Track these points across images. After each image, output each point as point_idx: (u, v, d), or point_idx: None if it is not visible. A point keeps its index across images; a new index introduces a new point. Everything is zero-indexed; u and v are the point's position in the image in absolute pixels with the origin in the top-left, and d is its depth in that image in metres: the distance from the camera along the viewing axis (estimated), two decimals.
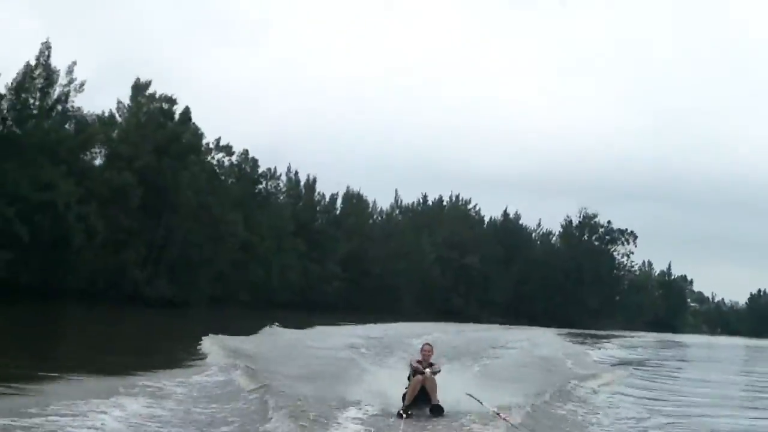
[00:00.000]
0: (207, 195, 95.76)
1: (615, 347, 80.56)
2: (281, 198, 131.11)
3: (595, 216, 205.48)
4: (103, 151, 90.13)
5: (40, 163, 74.48)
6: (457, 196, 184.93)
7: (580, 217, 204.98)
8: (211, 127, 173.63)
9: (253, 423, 19.40)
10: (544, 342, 70.26)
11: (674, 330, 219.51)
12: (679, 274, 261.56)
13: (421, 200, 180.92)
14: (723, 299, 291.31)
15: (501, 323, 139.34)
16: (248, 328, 52.50)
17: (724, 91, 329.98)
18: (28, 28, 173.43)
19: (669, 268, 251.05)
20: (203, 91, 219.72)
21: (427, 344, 22.90)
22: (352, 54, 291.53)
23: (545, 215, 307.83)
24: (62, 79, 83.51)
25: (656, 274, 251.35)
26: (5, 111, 76.87)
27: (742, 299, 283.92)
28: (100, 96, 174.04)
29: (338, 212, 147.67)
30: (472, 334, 76.98)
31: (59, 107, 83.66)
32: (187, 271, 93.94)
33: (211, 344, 38.16)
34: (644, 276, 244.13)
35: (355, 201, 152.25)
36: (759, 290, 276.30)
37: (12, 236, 69.06)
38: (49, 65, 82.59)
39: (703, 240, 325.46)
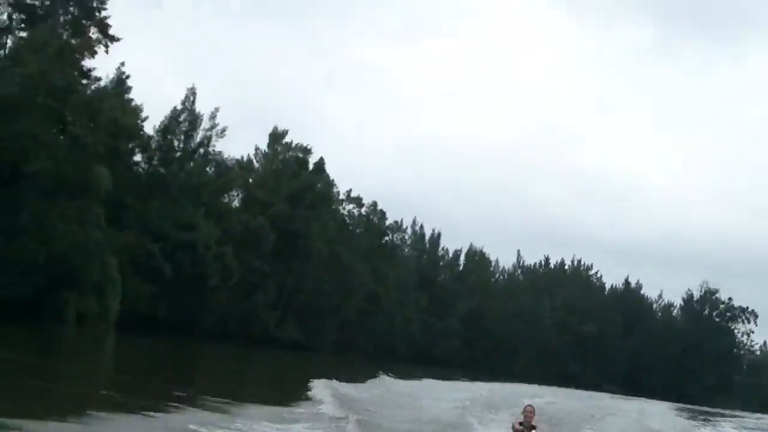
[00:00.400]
0: (337, 244, 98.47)
1: (732, 427, 78.45)
2: (406, 251, 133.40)
3: (716, 291, 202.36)
4: (239, 194, 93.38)
5: (182, 203, 77.62)
6: (579, 261, 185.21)
7: (701, 291, 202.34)
8: (342, 175, 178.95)
9: None
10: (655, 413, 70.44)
11: None
12: None
13: (543, 262, 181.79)
14: None
15: (615, 393, 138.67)
16: (366, 375, 54.76)
17: None
18: (170, 70, 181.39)
19: None
20: (335, 138, 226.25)
21: (530, 406, 22.99)
22: (484, 112, 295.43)
23: (667, 286, 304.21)
24: (205, 124, 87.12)
25: None
26: (153, 151, 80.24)
27: None
28: (234, 138, 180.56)
29: (461, 268, 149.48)
30: (585, 402, 76.45)
31: (201, 150, 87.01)
32: (314, 316, 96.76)
33: (323, 388, 39.63)
34: (765, 357, 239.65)
35: (477, 258, 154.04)
36: None
37: (156, 272, 72.05)
38: (194, 110, 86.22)
39: None
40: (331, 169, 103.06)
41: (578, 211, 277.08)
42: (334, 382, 43.31)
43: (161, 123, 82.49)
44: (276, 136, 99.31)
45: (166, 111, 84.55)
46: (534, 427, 21.78)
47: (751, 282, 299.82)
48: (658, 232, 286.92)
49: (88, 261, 62.13)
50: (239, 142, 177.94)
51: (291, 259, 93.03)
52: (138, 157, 79.97)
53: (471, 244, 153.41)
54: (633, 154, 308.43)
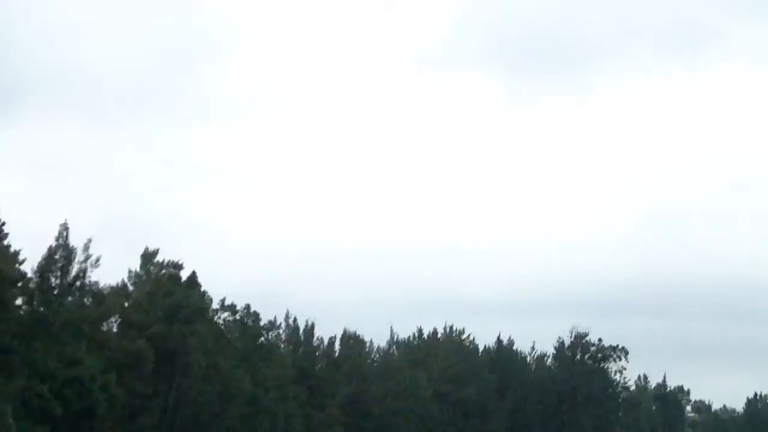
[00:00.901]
0: (215, 355, 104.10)
1: None
2: (282, 346, 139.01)
3: (586, 335, 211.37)
4: (117, 320, 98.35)
5: (65, 340, 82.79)
6: (451, 327, 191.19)
7: (571, 336, 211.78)
8: (210, 275, 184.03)
9: None
10: None
11: None
12: (676, 385, 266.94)
13: (416, 334, 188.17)
14: (722, 406, 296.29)
15: None
16: None
17: (712, 200, 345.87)
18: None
19: (664, 380, 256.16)
20: (197, 238, 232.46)
21: None
22: (342, 190, 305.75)
23: (539, 334, 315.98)
24: (79, 256, 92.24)
25: (652, 387, 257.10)
26: (32, 292, 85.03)
27: (739, 404, 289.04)
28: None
29: (337, 354, 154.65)
30: None
31: (78, 283, 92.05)
32: (199, 429, 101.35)
33: None
34: (640, 391, 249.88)
35: (352, 342, 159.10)
36: (756, 394, 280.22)
37: (45, 411, 76.84)
38: (68, 245, 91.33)
39: (697, 348, 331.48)
40: (203, 277, 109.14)
41: (445, 274, 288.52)
42: None
43: (39, 264, 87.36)
44: (147, 256, 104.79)
45: (33, 241, 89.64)
46: None
47: (622, 316, 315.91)
48: (524, 283, 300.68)
49: None
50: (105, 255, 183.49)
51: (171, 377, 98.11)
52: (18, 301, 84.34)
53: (345, 329, 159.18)
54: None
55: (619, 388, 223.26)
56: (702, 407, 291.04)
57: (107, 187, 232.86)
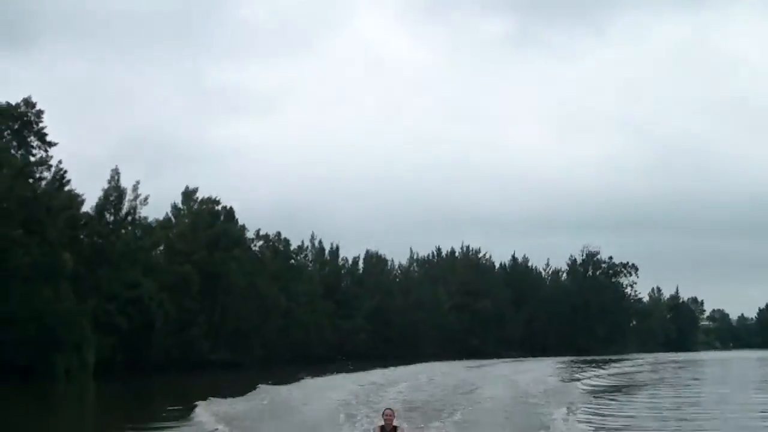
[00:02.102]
0: (252, 276, 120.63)
1: (607, 373, 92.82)
2: (310, 267, 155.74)
3: (597, 252, 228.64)
4: (165, 249, 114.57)
5: (124, 266, 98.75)
6: (468, 247, 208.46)
7: (583, 255, 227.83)
8: (241, 199, 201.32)
9: None
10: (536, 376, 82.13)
11: (687, 349, 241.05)
12: (690, 296, 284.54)
13: (435, 253, 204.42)
14: (737, 315, 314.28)
15: (515, 357, 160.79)
16: (285, 379, 67.84)
17: (720, 118, 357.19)
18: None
19: (677, 292, 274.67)
20: (224, 160, 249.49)
21: (388, 409, 23.65)
22: (359, 114, 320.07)
23: (554, 251, 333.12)
24: (129, 195, 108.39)
25: (666, 298, 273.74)
26: (94, 227, 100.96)
27: (752, 314, 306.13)
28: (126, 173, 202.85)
29: (361, 272, 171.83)
30: (467, 372, 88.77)
31: (129, 218, 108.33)
32: (241, 339, 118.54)
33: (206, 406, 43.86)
34: (654, 301, 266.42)
35: (374, 261, 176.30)
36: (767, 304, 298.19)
37: (113, 326, 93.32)
38: (119, 186, 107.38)
39: (711, 261, 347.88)
40: (238, 211, 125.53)
41: (464, 195, 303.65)
42: (219, 401, 46.59)
43: (97, 203, 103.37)
44: (188, 194, 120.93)
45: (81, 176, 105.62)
46: (395, 428, 22.34)
47: (639, 232, 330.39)
48: (541, 201, 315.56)
49: (68, 327, 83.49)
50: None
51: (216, 295, 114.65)
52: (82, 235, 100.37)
53: (367, 250, 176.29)
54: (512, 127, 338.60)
55: (631, 300, 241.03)
56: (717, 316, 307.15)
57: (130, 114, 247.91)
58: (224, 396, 48.69)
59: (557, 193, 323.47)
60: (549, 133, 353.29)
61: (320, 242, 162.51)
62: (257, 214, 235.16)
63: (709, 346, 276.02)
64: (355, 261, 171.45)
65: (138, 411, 49.19)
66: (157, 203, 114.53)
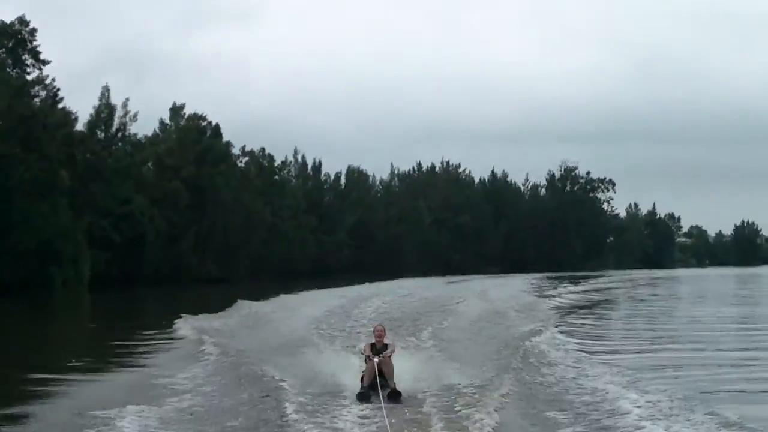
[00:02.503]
0: (238, 191, 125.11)
1: (578, 290, 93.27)
2: (293, 182, 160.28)
3: (575, 168, 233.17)
4: (154, 164, 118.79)
5: (116, 182, 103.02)
6: (448, 162, 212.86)
7: (561, 170, 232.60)
8: (224, 111, 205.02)
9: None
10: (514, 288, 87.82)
11: (663, 266, 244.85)
12: (667, 212, 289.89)
13: (416, 168, 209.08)
14: (712, 232, 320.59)
15: (495, 272, 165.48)
16: (269, 294, 69.34)
17: (703, 29, 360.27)
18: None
19: (654, 208, 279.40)
20: (206, 70, 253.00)
21: (379, 325, 22.92)
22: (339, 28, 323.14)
23: (534, 163, 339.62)
24: (119, 112, 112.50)
25: (643, 214, 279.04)
26: (86, 144, 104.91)
27: (728, 230, 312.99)
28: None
29: (343, 187, 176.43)
30: (442, 289, 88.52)
31: (119, 135, 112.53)
32: (228, 253, 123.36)
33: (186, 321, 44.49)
34: (631, 217, 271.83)
35: (356, 176, 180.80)
36: (743, 221, 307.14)
37: (107, 240, 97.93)
38: (110, 103, 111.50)
39: (690, 175, 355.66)
40: (222, 122, 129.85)
41: (445, 108, 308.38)
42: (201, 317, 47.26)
43: (89, 121, 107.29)
44: (175, 110, 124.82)
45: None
46: (386, 345, 21.84)
47: (618, 144, 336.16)
48: (521, 113, 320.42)
49: (65, 241, 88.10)
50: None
51: (203, 210, 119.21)
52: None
53: (349, 165, 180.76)
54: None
55: (608, 216, 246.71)
56: (694, 232, 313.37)
57: (108, 23, 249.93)
58: (210, 311, 50.70)
59: (538, 105, 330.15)
60: (530, 46, 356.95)
61: (303, 157, 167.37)
62: (240, 124, 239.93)
63: (686, 263, 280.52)
64: (338, 176, 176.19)
65: (127, 322, 52.53)
66: (142, 115, 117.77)
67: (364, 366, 21.60)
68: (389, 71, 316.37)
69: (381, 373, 20.85)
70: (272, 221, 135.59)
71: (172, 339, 37.85)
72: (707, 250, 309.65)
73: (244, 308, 54.37)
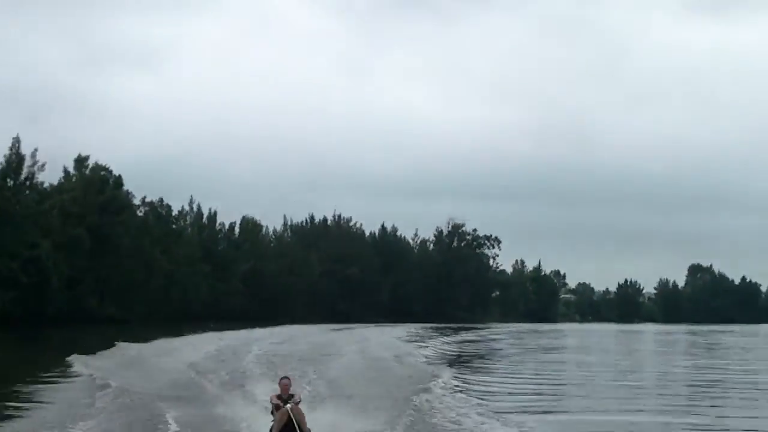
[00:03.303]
0: (138, 239, 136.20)
1: (452, 342, 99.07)
2: (189, 230, 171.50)
3: (462, 225, 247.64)
4: (59, 210, 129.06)
5: (25, 228, 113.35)
6: (340, 215, 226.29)
7: (449, 227, 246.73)
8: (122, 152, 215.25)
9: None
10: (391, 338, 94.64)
11: (547, 320, 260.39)
12: (553, 269, 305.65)
13: (308, 220, 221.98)
14: (599, 289, 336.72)
15: (381, 322, 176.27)
16: (160, 335, 77.65)
17: (602, 87, 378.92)
18: None
19: (539, 265, 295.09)
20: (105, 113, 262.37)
21: (285, 377, 23.66)
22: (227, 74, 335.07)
23: (425, 217, 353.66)
24: (28, 161, 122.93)
25: (529, 270, 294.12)
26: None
27: (612, 288, 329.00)
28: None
29: (237, 236, 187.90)
30: (319, 337, 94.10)
31: (28, 182, 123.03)
32: (126, 296, 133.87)
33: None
34: (517, 273, 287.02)
35: (250, 226, 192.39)
36: (626, 280, 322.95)
37: (14, 281, 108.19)
38: (20, 153, 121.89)
39: (578, 234, 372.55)
40: (126, 176, 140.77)
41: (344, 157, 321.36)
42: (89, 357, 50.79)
43: (1, 169, 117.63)
44: (80, 161, 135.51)
45: None
46: (291, 395, 22.59)
47: (505, 203, 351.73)
48: (412, 165, 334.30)
49: None
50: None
51: (104, 255, 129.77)
52: None
53: (243, 216, 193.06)
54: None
55: (493, 271, 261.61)
56: (579, 289, 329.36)
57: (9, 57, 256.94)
58: (95, 352, 55.33)
59: (435, 157, 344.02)
60: (434, 95, 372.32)
61: (199, 206, 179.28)
62: (138, 168, 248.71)
63: (569, 318, 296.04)
64: (232, 226, 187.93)
65: (29, 362, 57.60)
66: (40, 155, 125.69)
67: (271, 417, 22.33)
68: (285, 118, 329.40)
69: (291, 422, 21.34)
70: (168, 268, 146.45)
71: (65, 378, 41.28)
72: (590, 307, 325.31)
73: (126, 350, 59.77)
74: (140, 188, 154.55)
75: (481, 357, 73.06)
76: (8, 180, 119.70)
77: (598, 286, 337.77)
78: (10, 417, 27.04)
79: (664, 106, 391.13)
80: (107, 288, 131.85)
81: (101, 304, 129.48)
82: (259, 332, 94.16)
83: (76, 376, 40.90)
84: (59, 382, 38.29)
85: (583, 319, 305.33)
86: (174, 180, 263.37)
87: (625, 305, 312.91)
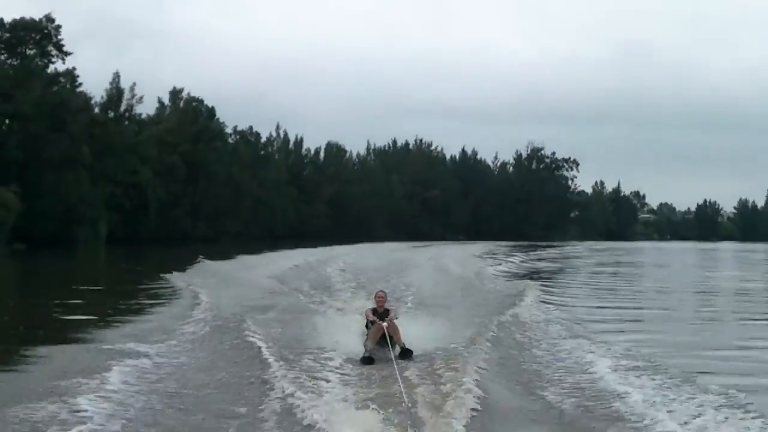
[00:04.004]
0: (229, 165, 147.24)
1: (533, 258, 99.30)
2: (277, 156, 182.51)
3: (541, 148, 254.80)
4: (155, 140, 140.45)
5: (126, 157, 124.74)
6: (421, 140, 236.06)
7: (528, 150, 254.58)
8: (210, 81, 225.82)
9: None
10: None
11: (625, 239, 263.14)
12: (632, 190, 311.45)
13: (391, 144, 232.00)
14: (680, 209, 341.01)
15: (462, 240, 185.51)
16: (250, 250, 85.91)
17: (683, 25, 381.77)
18: None
19: (618, 186, 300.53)
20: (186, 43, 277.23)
21: (381, 291, 23.46)
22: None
23: (507, 142, 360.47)
24: (127, 95, 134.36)
25: (609, 191, 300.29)
26: (102, 124, 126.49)
27: (692, 208, 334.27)
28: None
29: (322, 161, 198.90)
30: (401, 253, 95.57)
31: (127, 114, 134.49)
32: (218, 218, 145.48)
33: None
34: (596, 194, 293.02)
35: (335, 150, 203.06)
36: (705, 200, 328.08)
37: (119, 206, 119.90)
38: (120, 87, 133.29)
39: (658, 157, 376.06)
40: (219, 109, 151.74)
41: (426, 85, 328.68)
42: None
43: (102, 103, 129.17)
44: (175, 93, 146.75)
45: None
46: (387, 310, 22.24)
47: (591, 126, 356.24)
48: (496, 91, 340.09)
49: (86, 206, 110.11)
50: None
51: (198, 181, 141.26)
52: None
53: (328, 141, 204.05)
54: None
55: (573, 193, 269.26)
56: (657, 209, 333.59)
57: None
58: (186, 268, 56.85)
59: (514, 85, 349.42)
60: (512, 26, 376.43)
61: (285, 133, 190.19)
62: (224, 97, 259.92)
63: (647, 238, 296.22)
64: (317, 151, 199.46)
65: (134, 275, 62.35)
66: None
67: (366, 331, 22.10)
68: (370, 50, 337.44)
69: (385, 337, 21.05)
70: (257, 192, 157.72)
71: (169, 288, 43.08)
72: (669, 226, 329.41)
73: (222, 266, 62.92)
74: (230, 117, 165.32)
75: (563, 272, 72.72)
76: (110, 112, 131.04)
77: (679, 207, 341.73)
78: (114, 326, 28.48)
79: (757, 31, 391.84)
80: (200, 211, 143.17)
81: (195, 226, 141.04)
82: (342, 249, 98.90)
83: (173, 289, 42.89)
84: (158, 294, 40.36)
85: (662, 238, 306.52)
86: (262, 109, 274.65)
87: (703, 225, 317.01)
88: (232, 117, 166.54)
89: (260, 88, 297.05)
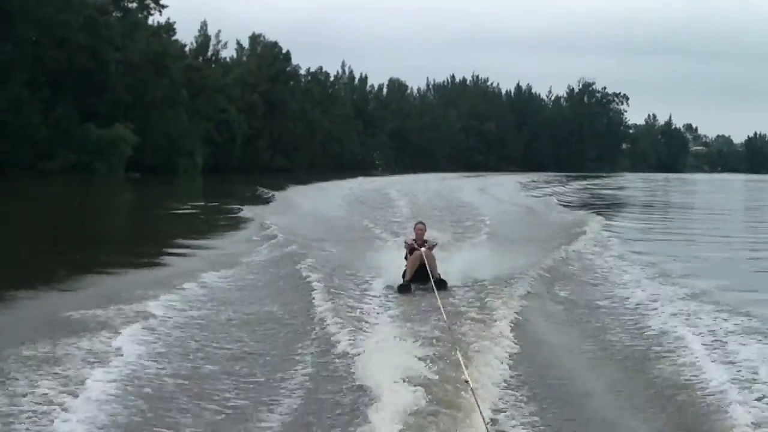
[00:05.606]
0: (302, 102, 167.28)
1: (585, 187, 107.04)
2: (343, 93, 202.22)
3: (593, 83, 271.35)
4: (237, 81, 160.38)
5: (214, 96, 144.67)
6: (478, 76, 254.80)
7: (580, 85, 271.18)
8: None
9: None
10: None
11: (676, 171, 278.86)
12: (685, 123, 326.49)
13: (449, 80, 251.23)
14: (733, 141, 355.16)
15: (515, 170, 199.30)
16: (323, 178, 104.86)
17: None
18: None
19: (670, 119, 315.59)
20: None
21: (420, 222, 23.64)
22: None
23: (563, 73, 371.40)
24: (213, 41, 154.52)
25: (661, 124, 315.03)
26: (195, 68, 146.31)
27: (742, 140, 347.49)
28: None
29: (385, 96, 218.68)
30: (456, 181, 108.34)
31: (214, 58, 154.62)
32: (293, 150, 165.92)
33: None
34: (648, 126, 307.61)
35: (396, 86, 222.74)
36: (755, 133, 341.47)
37: (211, 140, 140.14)
38: (207, 34, 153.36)
39: (710, 89, 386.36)
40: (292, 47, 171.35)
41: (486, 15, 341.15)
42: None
43: (192, 49, 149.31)
44: (254, 38, 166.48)
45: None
46: (426, 241, 22.50)
47: (651, 57, 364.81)
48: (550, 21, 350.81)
49: (185, 140, 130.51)
50: None
51: (275, 117, 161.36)
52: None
53: (390, 78, 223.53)
54: None
55: (623, 127, 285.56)
56: (708, 141, 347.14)
57: None
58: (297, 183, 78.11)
59: (573, 16, 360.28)
60: None
61: (351, 70, 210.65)
62: (293, 30, 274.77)
63: (698, 169, 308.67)
64: (380, 87, 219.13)
65: (226, 195, 73.87)
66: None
67: (404, 262, 22.45)
68: None
69: (423, 267, 21.37)
70: (328, 127, 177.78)
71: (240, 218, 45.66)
72: (720, 158, 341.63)
73: (298, 190, 73.85)
74: (300, 53, 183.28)
75: (618, 204, 74.94)
76: (200, 58, 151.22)
77: (737, 138, 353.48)
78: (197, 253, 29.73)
79: None
80: (278, 144, 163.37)
81: (273, 158, 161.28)
82: (401, 177, 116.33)
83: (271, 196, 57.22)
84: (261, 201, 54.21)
85: (713, 170, 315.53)
86: (329, 45, 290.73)
87: (753, 157, 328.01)
88: (301, 53, 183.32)
89: (327, 26, 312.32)
